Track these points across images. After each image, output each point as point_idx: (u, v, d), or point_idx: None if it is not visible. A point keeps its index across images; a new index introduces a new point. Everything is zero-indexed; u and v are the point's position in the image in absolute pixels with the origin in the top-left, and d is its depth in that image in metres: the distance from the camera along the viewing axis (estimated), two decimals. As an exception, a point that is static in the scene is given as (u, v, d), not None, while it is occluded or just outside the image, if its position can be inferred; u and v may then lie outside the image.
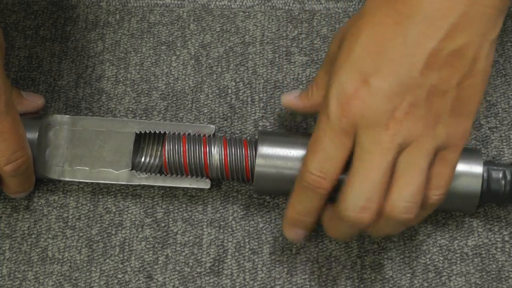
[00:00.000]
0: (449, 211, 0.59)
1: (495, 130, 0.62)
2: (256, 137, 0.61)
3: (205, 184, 0.57)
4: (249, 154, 0.56)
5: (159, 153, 0.59)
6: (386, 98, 0.49)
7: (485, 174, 0.56)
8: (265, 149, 0.56)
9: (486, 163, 0.56)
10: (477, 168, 0.56)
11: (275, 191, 0.59)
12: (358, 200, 0.49)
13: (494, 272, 0.58)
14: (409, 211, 0.50)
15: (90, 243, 0.59)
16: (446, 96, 0.49)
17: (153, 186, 0.60)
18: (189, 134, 0.58)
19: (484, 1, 0.49)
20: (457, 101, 0.50)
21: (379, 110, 0.49)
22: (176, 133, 0.58)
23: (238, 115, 0.63)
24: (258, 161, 0.56)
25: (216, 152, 0.57)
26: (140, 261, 0.59)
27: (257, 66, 0.65)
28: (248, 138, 0.59)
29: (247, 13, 0.67)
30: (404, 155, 0.49)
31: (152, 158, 0.59)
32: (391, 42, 0.49)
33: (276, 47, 0.66)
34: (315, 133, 0.51)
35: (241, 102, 0.64)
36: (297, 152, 0.56)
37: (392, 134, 0.49)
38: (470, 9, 0.49)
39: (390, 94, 0.49)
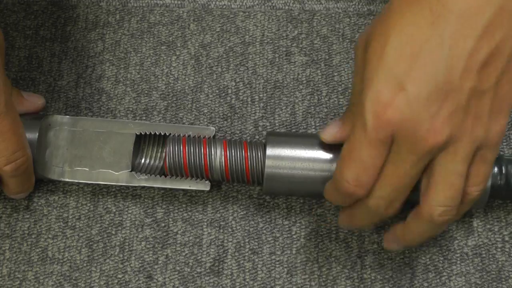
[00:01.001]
0: None
1: (495, 130, 0.62)
2: (256, 138, 0.61)
3: (204, 186, 0.57)
4: (249, 156, 0.56)
5: (159, 154, 0.59)
6: (424, 106, 0.47)
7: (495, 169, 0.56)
8: (274, 150, 0.56)
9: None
10: None
11: (284, 192, 0.59)
12: (384, 200, 0.50)
13: (494, 272, 0.58)
14: (447, 214, 0.49)
15: (90, 243, 0.59)
16: (485, 97, 0.47)
17: (153, 187, 0.60)
18: (189, 136, 0.58)
19: None
20: (495, 101, 0.48)
21: (417, 119, 0.47)
22: (177, 135, 0.58)
23: (238, 115, 0.63)
24: (268, 162, 0.56)
25: (216, 155, 0.57)
26: (140, 261, 0.59)
27: (257, 66, 0.65)
28: (248, 139, 0.59)
29: (247, 13, 0.67)
30: (441, 158, 0.48)
31: (152, 160, 0.59)
32: (426, 44, 0.47)
33: (276, 47, 0.66)
34: (350, 141, 0.50)
35: (241, 102, 0.64)
36: (306, 153, 0.56)
37: (431, 146, 0.47)
38: (506, 2, 0.46)
39: (429, 101, 0.46)
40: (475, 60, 0.46)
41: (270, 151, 0.56)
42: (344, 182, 0.50)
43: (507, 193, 0.56)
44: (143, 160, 0.59)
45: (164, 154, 0.58)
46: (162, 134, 0.59)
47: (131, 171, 0.58)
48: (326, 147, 0.55)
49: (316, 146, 0.56)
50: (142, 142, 0.59)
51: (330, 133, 0.54)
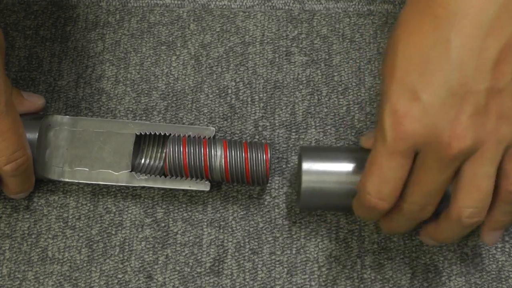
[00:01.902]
0: None
1: (495, 130, 0.62)
2: (256, 138, 0.61)
3: (204, 186, 0.57)
4: (249, 157, 0.56)
5: (159, 155, 0.59)
6: (441, 112, 0.46)
7: None
8: (309, 165, 0.56)
9: None
10: None
11: (321, 207, 0.58)
12: (416, 204, 0.50)
13: (494, 272, 0.58)
14: (475, 216, 0.49)
15: (90, 243, 0.59)
16: (504, 94, 0.47)
17: (153, 187, 0.60)
18: (189, 136, 0.58)
19: None
20: None
21: (437, 126, 0.47)
22: (177, 135, 0.58)
23: (238, 115, 0.63)
24: (304, 177, 0.55)
25: (216, 156, 0.57)
26: (140, 261, 0.59)
27: (257, 66, 0.65)
28: (248, 139, 0.59)
29: (247, 13, 0.67)
30: (469, 162, 0.48)
31: (152, 160, 0.59)
32: (434, 51, 0.47)
33: (276, 47, 0.66)
34: (372, 154, 0.50)
35: (241, 102, 0.64)
36: (341, 166, 0.55)
37: (456, 153, 0.47)
38: (507, 0, 0.46)
39: (445, 107, 0.46)
40: (486, 58, 0.46)
41: (306, 166, 0.55)
42: (366, 195, 0.50)
43: None
44: (143, 160, 0.59)
45: (164, 154, 0.58)
46: (162, 134, 0.59)
47: (131, 171, 0.58)
48: (359, 159, 0.55)
49: (350, 159, 0.55)
50: (142, 142, 0.59)
51: (364, 140, 0.55)
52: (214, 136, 0.59)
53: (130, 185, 0.58)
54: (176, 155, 0.56)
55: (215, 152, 0.57)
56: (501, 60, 0.46)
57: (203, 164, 0.56)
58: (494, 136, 0.47)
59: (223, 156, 0.57)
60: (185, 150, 0.57)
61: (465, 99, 0.46)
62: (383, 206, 0.50)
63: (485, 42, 0.46)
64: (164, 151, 0.58)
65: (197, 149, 0.57)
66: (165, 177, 0.58)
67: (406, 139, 0.47)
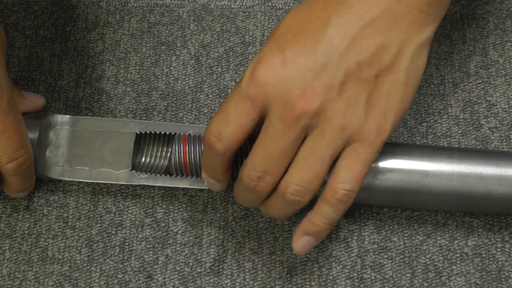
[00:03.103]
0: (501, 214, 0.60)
1: (495, 130, 0.62)
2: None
3: (205, 184, 0.57)
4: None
5: (159, 153, 0.59)
6: (299, 72, 0.48)
7: None
8: None
9: None
10: None
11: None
12: (255, 171, 0.50)
13: (494, 272, 0.58)
14: (299, 195, 0.50)
15: (90, 243, 0.59)
16: (362, 85, 0.49)
17: (153, 186, 0.60)
18: (194, 135, 0.58)
19: (409, 1, 0.49)
20: (374, 94, 0.49)
21: (290, 84, 0.48)
22: (182, 134, 0.58)
23: (238, 115, 0.63)
24: None
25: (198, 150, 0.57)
26: (140, 261, 0.59)
27: (257, 66, 0.65)
28: None
29: (247, 13, 0.67)
30: (308, 139, 0.49)
31: (153, 159, 0.59)
32: (314, 23, 0.49)
33: (276, 47, 0.66)
34: (227, 97, 0.51)
35: (241, 102, 0.64)
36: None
37: (299, 113, 0.48)
38: (394, 6, 0.49)
39: (304, 69, 0.48)
40: (357, 44, 0.49)
41: None
42: (207, 132, 0.51)
43: None
44: (143, 159, 0.59)
45: (165, 153, 0.58)
46: (163, 133, 0.59)
47: (131, 170, 0.58)
48: None
49: None
50: (142, 141, 0.59)
51: None
52: None
53: (131, 183, 0.58)
54: (197, 153, 0.56)
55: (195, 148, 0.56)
56: (370, 53, 0.49)
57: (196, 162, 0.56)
58: (339, 117, 0.49)
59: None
60: (186, 149, 0.56)
61: (324, 70, 0.48)
62: (219, 147, 0.50)
63: (361, 31, 0.49)
64: (169, 149, 0.58)
65: (197, 148, 0.56)
66: (165, 175, 0.58)
67: (258, 85, 0.49)
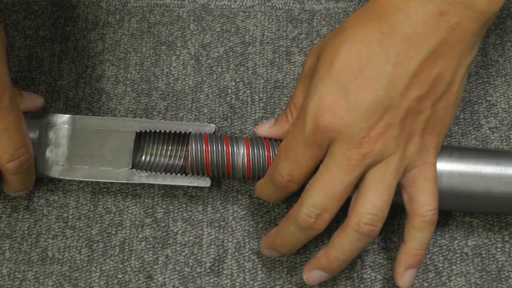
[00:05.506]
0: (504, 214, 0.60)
1: (495, 130, 0.62)
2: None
3: (205, 182, 0.57)
4: (271, 156, 0.56)
5: (159, 152, 0.59)
6: (363, 116, 0.49)
7: None
8: None
9: None
10: None
11: None
12: (316, 208, 0.51)
13: (494, 272, 0.58)
14: (373, 223, 0.51)
15: (90, 243, 0.59)
16: (420, 117, 0.51)
17: (153, 186, 0.60)
18: (210, 134, 0.57)
19: (464, 28, 0.50)
20: (430, 122, 0.51)
21: (355, 127, 0.49)
22: (198, 132, 0.57)
23: (238, 115, 0.63)
24: None
25: (239, 153, 0.56)
26: (140, 261, 0.58)
27: (257, 66, 0.65)
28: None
29: (247, 13, 0.67)
30: (372, 171, 0.50)
31: (153, 157, 0.59)
32: (373, 61, 0.50)
33: (276, 47, 0.66)
34: (288, 139, 0.52)
35: (241, 102, 0.64)
36: None
37: (364, 153, 0.50)
38: (450, 35, 0.50)
39: (368, 112, 0.49)
40: (417, 81, 0.50)
41: None
42: (278, 176, 0.52)
43: None
44: (143, 158, 0.59)
45: (165, 151, 0.59)
46: (162, 131, 0.59)
47: (131, 168, 0.58)
48: None
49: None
50: (142, 139, 0.59)
51: (261, 130, 0.57)
52: (214, 133, 0.58)
53: (131, 182, 0.58)
54: (199, 153, 0.56)
55: (238, 150, 0.56)
56: (428, 86, 0.50)
57: (225, 162, 0.56)
58: (401, 151, 0.50)
59: (245, 154, 0.56)
60: (208, 148, 0.56)
61: (387, 111, 0.49)
62: (292, 187, 0.53)
63: (421, 66, 0.49)
64: (187, 148, 0.58)
65: (219, 147, 0.56)
66: (166, 174, 0.57)
67: (325, 132, 0.50)
